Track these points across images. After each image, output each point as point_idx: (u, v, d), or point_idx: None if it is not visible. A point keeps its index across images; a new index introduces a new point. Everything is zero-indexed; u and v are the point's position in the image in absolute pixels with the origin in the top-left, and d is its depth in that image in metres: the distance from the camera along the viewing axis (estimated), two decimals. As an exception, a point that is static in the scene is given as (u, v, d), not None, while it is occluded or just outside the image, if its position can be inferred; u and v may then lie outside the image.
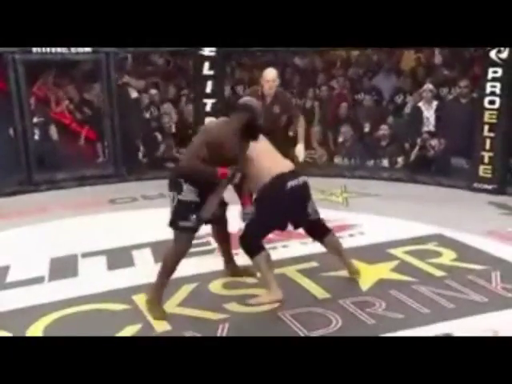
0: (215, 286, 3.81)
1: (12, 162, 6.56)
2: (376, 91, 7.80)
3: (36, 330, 3.23)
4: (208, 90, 6.95)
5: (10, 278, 4.04)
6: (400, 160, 7.13)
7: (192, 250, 4.56)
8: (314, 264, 4.11)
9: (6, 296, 3.74)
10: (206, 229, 4.79)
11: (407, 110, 7.44)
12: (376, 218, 5.15)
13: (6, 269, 4.18)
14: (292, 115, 4.99)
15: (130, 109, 7.39)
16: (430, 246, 4.40)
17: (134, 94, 7.64)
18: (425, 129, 6.93)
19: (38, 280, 3.99)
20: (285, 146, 4.67)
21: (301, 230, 4.86)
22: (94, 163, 7.44)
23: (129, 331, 3.21)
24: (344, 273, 3.92)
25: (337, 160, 7.55)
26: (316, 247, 4.47)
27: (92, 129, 7.55)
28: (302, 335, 3.10)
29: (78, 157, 7.36)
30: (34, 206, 5.96)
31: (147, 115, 7.74)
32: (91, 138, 7.61)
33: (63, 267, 4.21)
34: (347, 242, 4.57)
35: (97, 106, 7.52)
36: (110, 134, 7.07)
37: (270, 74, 4.81)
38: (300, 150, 4.69)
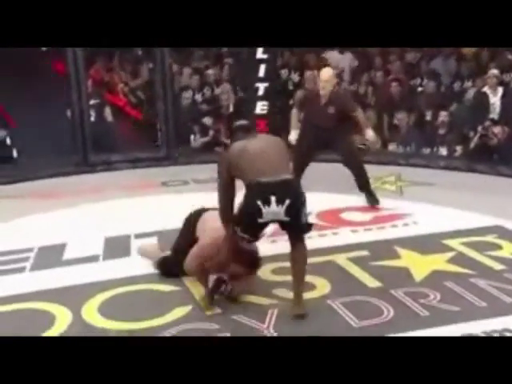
0: (264, 272, 3.81)
1: (69, 144, 6.76)
2: (434, 76, 7.57)
3: (91, 306, 3.33)
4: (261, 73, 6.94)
5: (66, 256, 4.17)
6: (459, 148, 6.91)
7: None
8: (364, 252, 4.05)
9: (62, 272, 3.87)
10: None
11: (468, 95, 7.19)
12: (431, 208, 5.02)
13: (63, 246, 4.32)
14: (349, 111, 4.97)
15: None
16: (489, 238, 4.25)
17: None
18: (490, 116, 6.68)
19: (94, 258, 4.11)
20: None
21: (351, 217, 4.87)
22: (147, 146, 7.56)
23: (178, 313, 3.25)
24: (395, 262, 3.86)
25: (391, 147, 7.40)
26: (367, 235, 4.43)
27: (144, 112, 7.68)
28: (353, 324, 3.07)
29: (132, 139, 7.52)
30: (90, 186, 6.12)
31: (199, 97, 7.76)
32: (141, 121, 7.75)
33: (117, 247, 4.31)
34: (400, 231, 4.50)
35: (150, 89, 7.62)
36: (162, 117, 7.17)
37: (325, 74, 4.82)
38: (370, 134, 5.01)
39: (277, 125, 6.88)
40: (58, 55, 7.12)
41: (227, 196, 3.16)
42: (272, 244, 4.29)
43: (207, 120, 7.65)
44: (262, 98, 6.92)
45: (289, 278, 3.67)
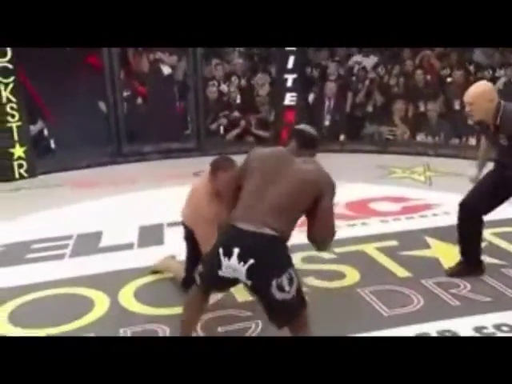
0: (294, 259, 3.80)
1: (104, 135, 6.84)
2: (463, 66, 7.43)
3: (128, 292, 3.39)
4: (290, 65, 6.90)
5: (102, 243, 4.24)
6: (488, 139, 6.77)
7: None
8: (394, 242, 4.03)
9: (99, 259, 3.94)
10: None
11: (499, 85, 7.02)
12: (461, 198, 4.93)
13: (99, 234, 4.39)
14: None
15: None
16: (520, 229, 4.18)
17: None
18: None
19: (129, 246, 4.17)
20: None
21: (380, 208, 4.83)
22: (177, 137, 7.59)
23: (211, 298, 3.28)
24: (425, 252, 3.83)
25: (419, 137, 7.30)
26: (396, 225, 4.40)
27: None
28: (383, 313, 3.06)
29: (164, 130, 7.55)
30: (124, 176, 6.20)
31: (228, 88, 7.72)
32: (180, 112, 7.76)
33: (150, 235, 4.37)
34: (430, 221, 4.45)
35: (181, 80, 7.62)
36: (193, 108, 7.20)
37: (468, 94, 3.24)
38: None
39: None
40: (92, 50, 7.20)
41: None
42: (300, 233, 4.30)
43: (237, 111, 7.63)
44: (290, 90, 6.88)
45: (317, 266, 3.70)
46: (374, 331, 2.86)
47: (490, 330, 2.84)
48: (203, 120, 7.27)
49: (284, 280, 2.32)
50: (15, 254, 4.07)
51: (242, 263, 2.29)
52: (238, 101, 7.63)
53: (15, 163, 6.00)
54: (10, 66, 5.83)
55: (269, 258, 2.34)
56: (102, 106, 6.99)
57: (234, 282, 2.45)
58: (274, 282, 2.29)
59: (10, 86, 5.85)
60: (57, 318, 3.10)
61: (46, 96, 6.72)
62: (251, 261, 2.28)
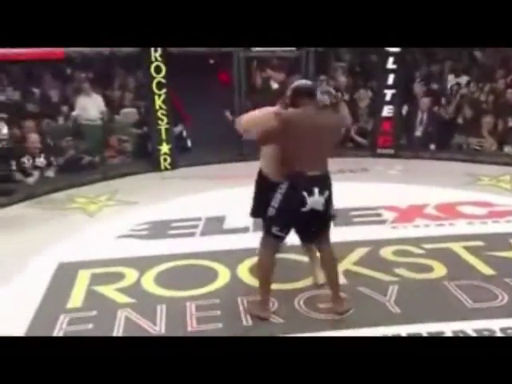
0: (386, 252, 3.69)
1: (229, 138, 7.02)
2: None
3: (244, 267, 3.47)
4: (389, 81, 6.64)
5: (225, 226, 4.37)
6: None
7: (363, 219, 4.51)
8: (479, 243, 3.75)
9: (223, 239, 4.06)
10: (377, 202, 4.72)
11: None
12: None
13: (223, 219, 4.52)
14: None
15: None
16: None
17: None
18: None
19: (245, 229, 4.24)
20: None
21: (467, 211, 4.52)
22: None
23: (308, 281, 3.23)
24: (510, 254, 3.53)
25: (507, 149, 6.71)
26: (482, 228, 4.09)
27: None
28: (467, 305, 2.87)
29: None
30: (244, 172, 6.31)
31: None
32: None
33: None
34: (514, 226, 4.10)
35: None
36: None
37: None
38: None
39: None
40: (223, 67, 7.43)
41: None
42: (393, 229, 4.15)
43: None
44: (388, 103, 6.64)
45: (408, 259, 3.53)
46: (458, 321, 2.70)
47: None
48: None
49: (334, 208, 2.84)
50: (159, 229, 4.30)
51: (322, 196, 2.66)
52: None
53: (162, 157, 6.35)
54: (163, 81, 6.17)
55: (331, 189, 2.75)
56: (228, 114, 7.16)
57: (309, 215, 2.68)
58: (332, 209, 2.81)
59: (162, 96, 6.19)
60: (190, 283, 3.26)
61: (185, 104, 7.02)
62: (327, 192, 2.69)
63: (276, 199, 2.69)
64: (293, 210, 2.66)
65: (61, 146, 6.03)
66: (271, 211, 2.71)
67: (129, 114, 6.70)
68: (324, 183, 2.70)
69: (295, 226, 2.84)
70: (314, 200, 2.64)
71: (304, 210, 2.64)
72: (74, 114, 6.32)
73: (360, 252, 3.67)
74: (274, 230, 2.71)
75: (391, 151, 6.67)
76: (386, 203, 4.70)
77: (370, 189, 5.21)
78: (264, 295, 2.84)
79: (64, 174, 5.85)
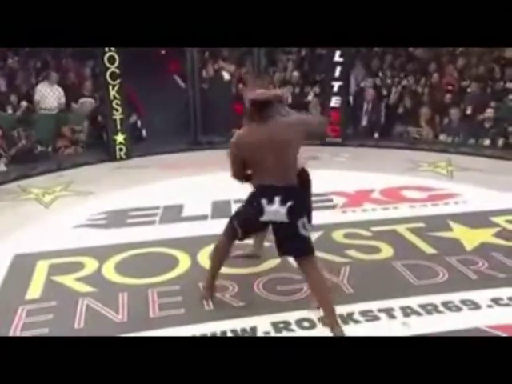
0: (337, 235, 3.77)
1: (184, 127, 6.91)
2: (480, 79, 7.05)
3: (205, 253, 3.41)
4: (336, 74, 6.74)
5: (184, 214, 4.30)
6: (501, 140, 6.45)
7: (315, 205, 4.59)
8: (421, 224, 3.90)
9: (182, 226, 4.00)
10: (328, 188, 4.80)
11: (510, 96, 6.65)
12: (479, 190, 4.73)
13: (181, 207, 4.45)
14: None
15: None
16: (531, 217, 3.97)
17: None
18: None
19: (204, 217, 4.21)
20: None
21: (410, 195, 4.69)
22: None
23: (269, 265, 3.23)
24: (448, 234, 3.70)
25: (442, 137, 7.01)
26: (423, 210, 4.26)
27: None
28: (413, 282, 2.98)
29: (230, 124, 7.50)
30: (199, 161, 6.25)
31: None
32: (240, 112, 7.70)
33: (221, 209, 4.36)
34: (452, 208, 4.29)
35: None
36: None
37: None
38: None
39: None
40: (174, 56, 7.28)
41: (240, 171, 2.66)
42: (343, 213, 4.24)
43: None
44: (336, 94, 6.75)
45: (359, 242, 3.61)
46: (405, 297, 2.80)
47: (505, 302, 2.74)
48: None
49: (305, 221, 2.51)
50: (117, 218, 4.17)
51: (283, 206, 2.44)
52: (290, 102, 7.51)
53: (117, 147, 6.15)
54: (117, 71, 5.94)
55: (300, 202, 2.51)
56: (179, 80, 7.02)
57: (266, 225, 2.62)
58: (300, 220, 2.47)
59: (116, 86, 5.97)
60: (151, 270, 3.19)
61: (139, 94, 6.82)
62: (290, 203, 2.43)
63: (244, 200, 2.66)
64: (251, 214, 2.55)
65: (12, 137, 5.69)
66: (239, 207, 2.71)
67: (86, 103, 6.42)
68: (288, 194, 2.46)
69: (255, 230, 2.82)
70: (274, 209, 2.45)
71: (262, 218, 2.49)
72: (23, 103, 5.98)
73: (313, 236, 3.69)
74: (235, 222, 2.69)
75: (339, 140, 6.80)
76: (335, 189, 4.79)
77: (320, 176, 5.23)
78: (210, 280, 2.85)
79: (16, 164, 5.53)
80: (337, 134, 6.80)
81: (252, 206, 2.54)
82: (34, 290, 2.98)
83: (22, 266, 3.30)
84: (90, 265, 3.29)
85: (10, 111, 5.96)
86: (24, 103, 5.99)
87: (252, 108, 2.52)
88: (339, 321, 2.54)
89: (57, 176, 5.47)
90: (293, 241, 2.50)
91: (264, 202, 2.47)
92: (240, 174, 2.68)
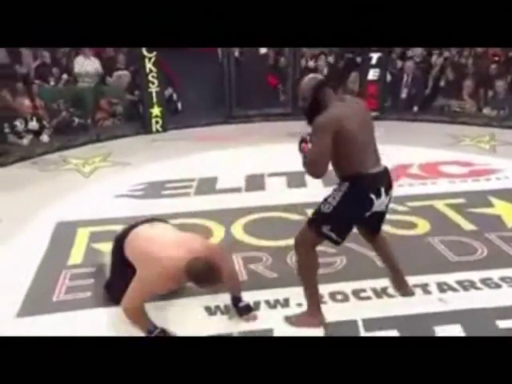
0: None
1: (219, 101, 6.88)
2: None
3: (238, 225, 3.46)
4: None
5: (218, 186, 4.33)
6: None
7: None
8: (461, 200, 3.78)
9: (216, 198, 4.03)
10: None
11: None
12: (523, 165, 4.53)
13: (215, 179, 4.48)
14: None
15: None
16: None
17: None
18: None
19: (238, 190, 4.23)
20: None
21: (449, 170, 4.54)
22: (276, 103, 7.44)
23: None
24: (489, 210, 3.56)
25: (485, 111, 6.70)
26: (463, 186, 4.12)
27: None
28: (450, 258, 2.91)
29: (265, 97, 7.43)
30: (233, 134, 6.25)
31: (316, 64, 7.38)
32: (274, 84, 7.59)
33: (254, 182, 4.39)
34: (494, 184, 4.13)
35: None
36: (290, 79, 7.00)
37: None
38: None
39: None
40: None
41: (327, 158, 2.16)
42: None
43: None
44: (374, 66, 6.52)
45: (393, 216, 3.52)
46: (441, 273, 2.74)
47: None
48: (295, 90, 7.06)
49: None
50: (154, 190, 4.25)
51: (387, 196, 2.25)
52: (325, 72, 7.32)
53: (153, 120, 6.20)
54: (152, 43, 5.94)
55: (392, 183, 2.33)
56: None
57: (369, 216, 2.27)
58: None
59: (152, 59, 5.98)
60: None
61: (174, 68, 6.82)
62: (390, 192, 2.27)
63: (335, 196, 2.20)
64: (354, 213, 2.22)
65: (53, 109, 5.84)
66: (327, 207, 2.20)
67: (122, 76, 6.49)
68: (388, 180, 2.26)
69: (350, 228, 2.32)
70: (381, 202, 2.22)
71: (367, 214, 2.22)
72: (64, 76, 6.10)
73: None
74: (325, 228, 2.20)
75: (376, 113, 6.61)
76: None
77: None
78: (313, 296, 2.36)
79: (57, 135, 5.69)
80: (374, 107, 6.61)
81: (359, 204, 2.18)
82: (76, 256, 3.10)
83: (64, 233, 3.43)
84: (128, 234, 3.37)
85: (52, 83, 6.09)
86: (65, 76, 6.11)
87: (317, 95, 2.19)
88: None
89: (96, 147, 5.59)
90: (382, 221, 2.45)
91: (373, 196, 2.16)
92: (326, 165, 2.14)
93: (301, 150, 2.24)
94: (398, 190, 4.08)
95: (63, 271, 2.91)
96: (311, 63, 7.32)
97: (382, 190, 2.21)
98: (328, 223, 2.20)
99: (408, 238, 3.22)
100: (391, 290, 2.62)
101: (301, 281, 2.35)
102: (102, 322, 2.43)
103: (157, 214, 3.64)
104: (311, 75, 2.31)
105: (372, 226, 2.44)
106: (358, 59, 7.00)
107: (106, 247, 3.18)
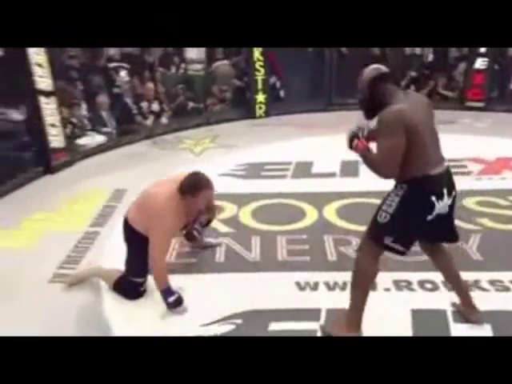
0: (469, 202, 3.41)
1: (319, 89, 6.76)
2: None
3: (331, 209, 3.40)
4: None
5: (313, 170, 4.29)
6: None
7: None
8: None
9: (311, 182, 4.00)
10: (463, 154, 4.31)
11: None
12: None
13: (311, 164, 4.43)
14: None
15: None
16: None
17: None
18: None
19: (332, 175, 4.15)
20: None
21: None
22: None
23: None
24: None
25: None
26: None
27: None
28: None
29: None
30: (332, 121, 6.08)
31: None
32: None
33: (349, 168, 4.23)
34: None
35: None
36: (391, 68, 6.61)
37: None
38: None
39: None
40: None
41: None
42: (477, 181, 3.81)
43: (427, 72, 6.78)
44: (482, 55, 5.88)
45: (493, 210, 3.23)
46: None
47: None
48: (396, 79, 6.65)
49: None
50: (254, 170, 4.33)
51: (450, 197, 1.94)
52: (430, 59, 6.79)
53: (257, 106, 6.29)
54: (260, 34, 5.97)
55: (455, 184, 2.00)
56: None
57: (433, 220, 1.94)
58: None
59: (260, 49, 6.03)
60: (281, 219, 3.28)
61: (278, 57, 6.79)
62: (454, 192, 1.96)
63: (391, 203, 1.92)
64: (416, 219, 1.91)
65: (172, 93, 6.18)
66: (384, 216, 1.92)
67: (219, 66, 6.63)
68: (451, 180, 1.96)
69: (416, 236, 2.02)
70: (443, 204, 1.91)
71: (430, 218, 1.91)
72: (183, 65, 6.41)
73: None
74: (387, 240, 1.93)
75: (481, 104, 6.01)
76: (471, 155, 4.29)
77: (455, 141, 4.77)
78: (356, 312, 2.06)
79: (174, 118, 6.04)
80: (480, 97, 6.00)
81: (419, 209, 1.89)
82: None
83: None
84: (230, 209, 3.50)
85: (173, 71, 6.44)
86: (183, 64, 6.42)
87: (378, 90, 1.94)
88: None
89: (206, 130, 5.83)
90: (452, 226, 2.04)
91: (434, 199, 1.87)
92: (398, 164, 1.85)
93: (353, 147, 2.00)
94: (499, 182, 3.73)
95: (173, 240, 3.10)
96: (418, 50, 6.84)
97: (445, 191, 1.90)
98: (389, 234, 1.92)
99: (508, 232, 2.92)
100: (484, 284, 2.41)
101: (352, 291, 2.05)
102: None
103: (255, 193, 3.74)
104: (374, 66, 2.00)
105: (436, 233, 2.01)
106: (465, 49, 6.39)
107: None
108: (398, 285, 2.46)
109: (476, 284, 2.42)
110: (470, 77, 5.97)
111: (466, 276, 2.45)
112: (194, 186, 2.31)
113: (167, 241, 2.32)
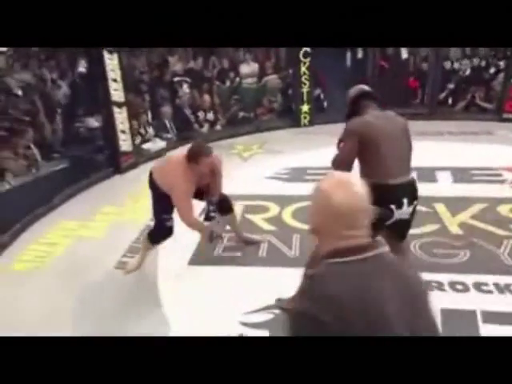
0: (503, 209, 3.28)
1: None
2: None
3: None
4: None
5: (352, 176, 4.25)
6: None
7: (483, 178, 4.02)
8: None
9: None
10: (499, 163, 4.12)
11: None
12: None
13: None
14: None
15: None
16: None
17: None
18: None
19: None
20: None
21: None
22: (412, 103, 6.90)
23: (428, 228, 3.04)
24: None
25: None
26: None
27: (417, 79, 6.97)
28: None
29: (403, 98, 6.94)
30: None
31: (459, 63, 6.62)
32: (414, 86, 7.04)
33: (423, 175, 3.89)
34: None
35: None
36: (431, 81, 6.41)
37: None
38: None
39: None
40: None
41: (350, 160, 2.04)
42: (511, 189, 3.64)
43: (464, 86, 6.53)
44: None
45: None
46: None
47: None
48: (436, 91, 6.45)
49: None
50: (298, 174, 4.36)
51: (410, 206, 2.01)
52: (467, 73, 6.52)
53: (302, 116, 6.33)
54: (309, 50, 5.99)
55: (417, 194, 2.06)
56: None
57: (392, 224, 2.02)
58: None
59: (307, 64, 6.07)
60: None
61: (323, 70, 6.77)
62: (415, 202, 2.03)
63: None
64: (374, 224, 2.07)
65: (226, 104, 6.36)
66: None
67: (269, 80, 6.72)
68: (413, 191, 2.02)
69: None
70: (402, 212, 1.98)
71: (389, 223, 1.98)
72: (237, 79, 6.57)
73: (477, 207, 3.32)
74: None
75: (520, 116, 5.71)
76: (507, 165, 4.10)
77: (492, 151, 4.58)
78: None
79: (227, 126, 6.21)
80: (519, 109, 5.70)
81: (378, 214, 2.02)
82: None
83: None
84: (273, 209, 3.57)
85: (228, 84, 6.61)
86: (237, 79, 6.58)
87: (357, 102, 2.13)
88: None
89: (255, 137, 5.94)
90: (407, 229, 2.12)
91: (393, 207, 1.96)
92: (349, 165, 2.01)
93: (338, 147, 2.23)
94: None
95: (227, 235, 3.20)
96: (456, 65, 6.60)
97: (405, 201, 1.97)
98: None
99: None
100: (515, 289, 2.32)
101: None
102: (242, 280, 2.65)
103: (298, 195, 3.77)
104: (359, 85, 2.22)
105: (396, 232, 2.05)
106: (501, 63, 6.08)
107: (256, 218, 3.43)
108: (429, 285, 2.42)
109: (507, 288, 2.34)
110: (508, 89, 5.67)
111: (498, 280, 2.39)
112: (196, 154, 2.45)
113: (186, 202, 2.49)
